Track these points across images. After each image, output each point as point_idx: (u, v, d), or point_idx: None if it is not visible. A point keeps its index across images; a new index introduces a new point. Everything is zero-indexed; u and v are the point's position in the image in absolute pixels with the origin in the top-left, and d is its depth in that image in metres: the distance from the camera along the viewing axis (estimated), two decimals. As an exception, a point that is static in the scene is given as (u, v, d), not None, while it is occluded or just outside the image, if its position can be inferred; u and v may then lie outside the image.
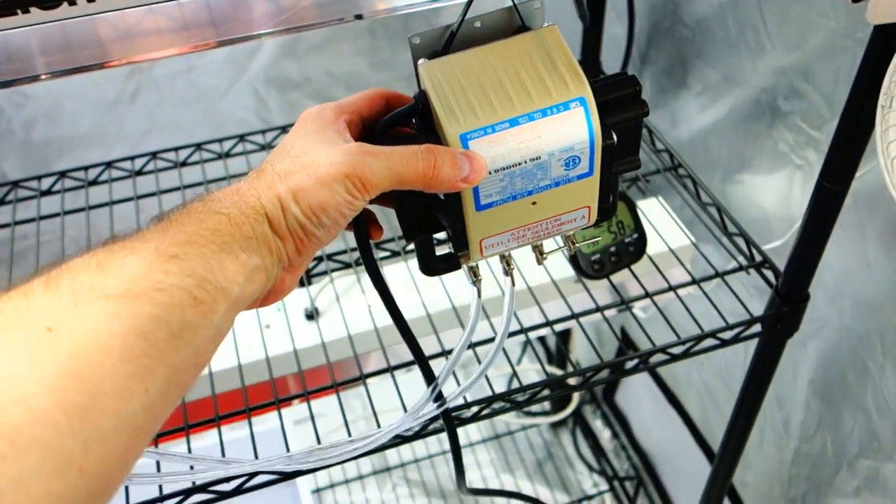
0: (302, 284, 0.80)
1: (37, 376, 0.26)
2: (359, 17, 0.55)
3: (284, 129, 0.92)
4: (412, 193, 0.39)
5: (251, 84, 1.24)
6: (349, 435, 0.58)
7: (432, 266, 0.45)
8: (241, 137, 0.89)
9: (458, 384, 0.63)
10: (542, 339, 1.51)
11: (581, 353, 1.43)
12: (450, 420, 0.51)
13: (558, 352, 1.40)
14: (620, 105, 0.41)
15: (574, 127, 0.39)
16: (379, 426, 0.58)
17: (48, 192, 0.84)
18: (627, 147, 0.42)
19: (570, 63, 0.39)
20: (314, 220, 0.36)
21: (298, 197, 0.36)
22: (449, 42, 0.41)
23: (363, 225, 0.42)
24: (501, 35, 0.41)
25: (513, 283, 0.47)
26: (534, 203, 0.41)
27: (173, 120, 1.22)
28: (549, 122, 0.39)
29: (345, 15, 0.55)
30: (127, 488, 0.56)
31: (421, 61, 0.40)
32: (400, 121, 0.41)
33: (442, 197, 0.41)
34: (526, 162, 0.39)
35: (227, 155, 0.88)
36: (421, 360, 0.47)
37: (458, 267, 0.46)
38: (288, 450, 0.57)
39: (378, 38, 1.30)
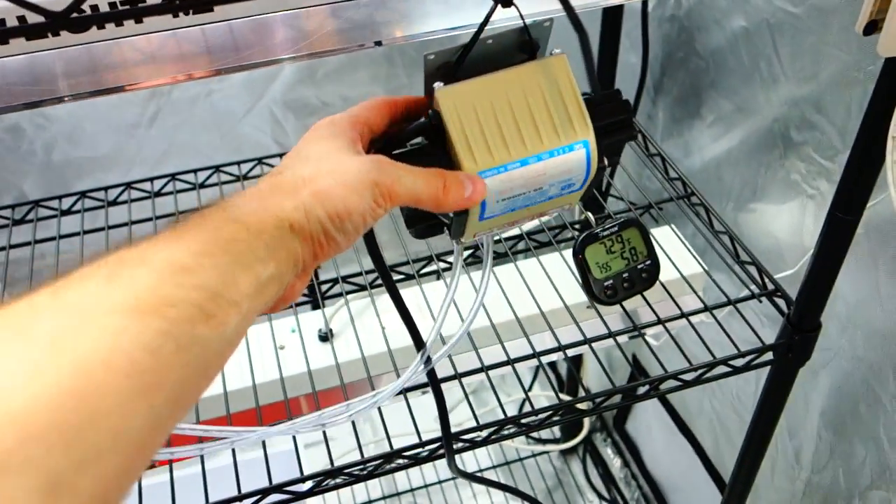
0: (316, 307, 0.80)
1: (34, 392, 0.25)
2: (378, 43, 0.57)
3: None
4: None
5: (269, 108, 1.27)
6: (362, 456, 0.58)
7: (421, 234, 0.49)
8: (259, 160, 0.91)
9: (473, 412, 0.64)
10: (553, 366, 1.51)
11: (592, 379, 1.43)
12: (435, 381, 0.52)
13: (569, 378, 1.39)
14: (614, 129, 0.45)
15: (575, 164, 0.43)
16: (391, 447, 0.59)
17: (68, 212, 0.86)
18: (614, 152, 0.47)
19: (576, 101, 0.43)
20: (337, 224, 0.37)
21: (325, 200, 0.36)
22: (462, 59, 0.42)
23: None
24: (512, 51, 0.43)
25: (492, 241, 0.51)
26: (528, 209, 0.46)
27: (192, 143, 1.24)
28: (554, 161, 0.42)
29: (365, 41, 0.56)
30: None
31: (437, 85, 0.42)
32: (414, 136, 0.43)
33: (449, 216, 0.45)
34: (528, 191, 0.44)
35: (245, 177, 0.89)
36: (409, 323, 0.48)
37: (442, 231, 0.49)
38: (301, 472, 0.58)
39: (395, 65, 1.32)
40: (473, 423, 0.60)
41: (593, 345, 0.69)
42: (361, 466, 0.57)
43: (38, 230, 0.84)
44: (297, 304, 0.80)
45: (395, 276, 0.78)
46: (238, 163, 0.91)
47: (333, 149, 0.39)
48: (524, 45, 0.43)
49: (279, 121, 1.28)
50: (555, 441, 1.45)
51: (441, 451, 0.59)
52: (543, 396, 1.44)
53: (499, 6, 0.41)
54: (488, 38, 0.42)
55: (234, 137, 1.27)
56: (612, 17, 0.98)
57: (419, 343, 0.48)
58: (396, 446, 0.59)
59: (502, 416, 0.61)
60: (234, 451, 0.59)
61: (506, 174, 0.42)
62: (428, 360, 0.50)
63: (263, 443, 0.60)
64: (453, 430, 0.55)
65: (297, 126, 1.29)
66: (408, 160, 0.42)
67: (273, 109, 1.27)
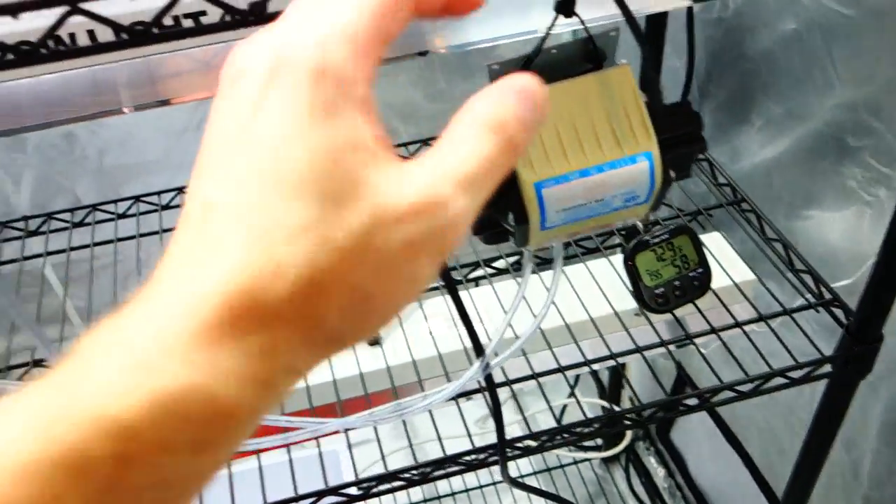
0: None
1: None
2: (423, 53, 0.57)
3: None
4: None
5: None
6: (415, 460, 0.59)
7: (490, 240, 0.49)
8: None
9: (525, 420, 0.64)
10: (593, 372, 1.49)
11: (635, 386, 1.41)
12: (492, 387, 0.52)
13: (612, 385, 1.38)
14: (681, 141, 0.44)
15: (638, 176, 0.43)
16: (444, 451, 0.59)
17: (124, 216, 0.88)
18: (682, 164, 0.45)
19: (640, 112, 0.42)
20: (372, 329, 0.22)
21: (368, 317, 0.21)
22: (525, 69, 0.42)
23: None
24: (577, 61, 0.43)
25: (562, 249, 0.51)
26: (592, 220, 0.45)
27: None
28: (615, 173, 0.42)
29: (410, 51, 0.56)
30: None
31: None
32: None
33: (511, 224, 0.43)
34: (590, 202, 0.43)
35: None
36: (470, 327, 0.48)
37: (508, 239, 0.48)
38: (356, 473, 0.59)
39: (435, 70, 1.33)
40: (520, 430, 0.60)
41: (640, 353, 0.68)
42: (416, 471, 0.57)
43: (96, 233, 0.86)
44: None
45: (441, 281, 0.79)
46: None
47: (342, 156, 0.20)
48: (589, 55, 0.43)
49: (324, 126, 1.30)
50: (596, 448, 1.43)
51: (493, 458, 0.59)
52: (584, 403, 1.43)
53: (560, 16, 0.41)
54: (552, 47, 0.42)
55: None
56: (655, 21, 0.97)
57: (478, 348, 0.49)
58: (433, 451, 0.59)
59: (542, 423, 0.61)
60: (289, 450, 0.60)
61: (565, 185, 0.42)
62: (486, 366, 0.50)
63: (318, 441, 0.61)
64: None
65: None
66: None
67: (318, 115, 1.28)
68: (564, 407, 1.33)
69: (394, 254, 0.20)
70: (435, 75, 1.34)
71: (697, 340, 0.72)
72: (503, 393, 0.63)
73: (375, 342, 0.76)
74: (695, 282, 0.71)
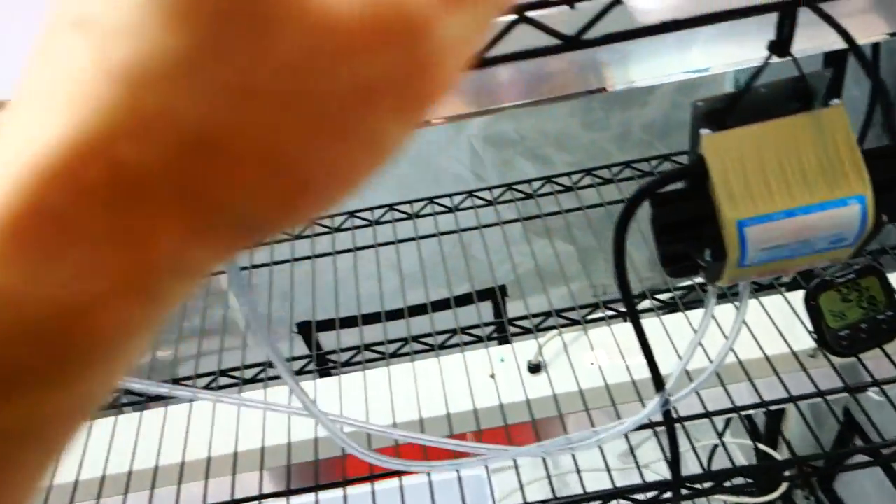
0: (502, 341, 0.82)
1: None
2: (599, 90, 0.57)
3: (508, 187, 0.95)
4: (675, 238, 0.43)
5: (469, 141, 1.32)
6: (584, 490, 0.59)
7: (677, 273, 0.48)
8: (470, 193, 0.95)
9: (698, 458, 0.62)
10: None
11: (794, 431, 1.33)
12: (671, 422, 0.52)
13: (768, 426, 1.31)
14: None
15: (848, 220, 0.41)
16: (613, 484, 0.59)
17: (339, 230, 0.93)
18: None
19: (853, 154, 0.41)
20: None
21: (295, 197, 0.15)
22: (732, 107, 0.42)
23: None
24: (786, 100, 0.42)
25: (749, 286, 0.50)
26: (792, 261, 0.43)
27: (394, 173, 1.32)
28: (823, 215, 0.41)
29: (586, 87, 0.56)
30: None
31: (703, 131, 0.42)
32: (677, 180, 0.43)
33: (707, 260, 0.43)
34: (793, 243, 0.42)
35: (458, 208, 0.93)
36: (650, 359, 0.48)
37: (698, 273, 0.47)
38: (524, 497, 0.60)
39: (592, 99, 1.33)
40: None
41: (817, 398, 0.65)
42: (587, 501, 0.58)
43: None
44: (493, 336, 0.83)
45: (609, 312, 0.79)
46: (450, 195, 0.95)
47: None
48: (799, 94, 0.42)
49: (478, 153, 1.33)
50: (748, 493, 1.36)
51: (665, 496, 0.58)
52: (735, 443, 1.37)
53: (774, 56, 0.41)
54: (761, 86, 0.42)
55: (433, 169, 1.33)
56: (835, 51, 0.93)
57: (659, 383, 0.49)
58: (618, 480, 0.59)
59: (730, 464, 0.59)
60: (459, 471, 0.62)
61: (769, 224, 0.41)
62: (665, 402, 0.50)
63: (486, 467, 0.62)
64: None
65: (495, 158, 1.33)
66: (668, 204, 0.42)
67: (473, 142, 1.32)
68: (715, 447, 1.28)
69: (338, 103, 0.14)
70: (592, 104, 1.34)
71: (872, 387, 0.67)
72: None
73: (537, 369, 0.77)
74: (883, 325, 0.67)
